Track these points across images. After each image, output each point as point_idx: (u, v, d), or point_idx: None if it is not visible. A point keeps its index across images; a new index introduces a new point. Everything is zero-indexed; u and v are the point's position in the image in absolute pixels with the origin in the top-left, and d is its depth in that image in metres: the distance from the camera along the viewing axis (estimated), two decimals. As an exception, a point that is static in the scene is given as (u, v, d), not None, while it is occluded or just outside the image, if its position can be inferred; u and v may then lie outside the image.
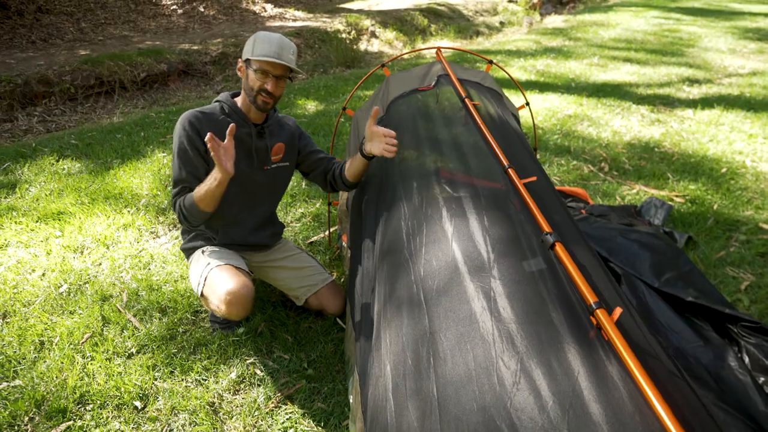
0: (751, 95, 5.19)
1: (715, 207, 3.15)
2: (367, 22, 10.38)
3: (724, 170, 3.63)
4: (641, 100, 5.15)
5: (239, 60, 1.87)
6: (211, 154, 1.61)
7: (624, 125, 4.51)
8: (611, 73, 6.12)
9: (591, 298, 1.12)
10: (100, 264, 2.66)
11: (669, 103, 5.08)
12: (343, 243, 2.47)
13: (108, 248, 2.80)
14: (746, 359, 1.88)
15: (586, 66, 6.46)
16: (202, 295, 1.91)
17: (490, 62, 2.49)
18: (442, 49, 2.28)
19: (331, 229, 2.82)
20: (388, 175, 1.89)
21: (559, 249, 1.26)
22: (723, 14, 10.46)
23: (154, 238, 2.93)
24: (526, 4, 13.12)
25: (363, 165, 2.00)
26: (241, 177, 1.94)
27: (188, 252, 2.08)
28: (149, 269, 2.62)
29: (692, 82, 5.74)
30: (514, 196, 1.47)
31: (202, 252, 2.01)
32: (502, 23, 11.93)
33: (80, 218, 3.07)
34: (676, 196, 3.28)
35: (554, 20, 11.01)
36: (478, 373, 1.09)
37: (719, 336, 1.98)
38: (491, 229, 1.38)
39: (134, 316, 2.28)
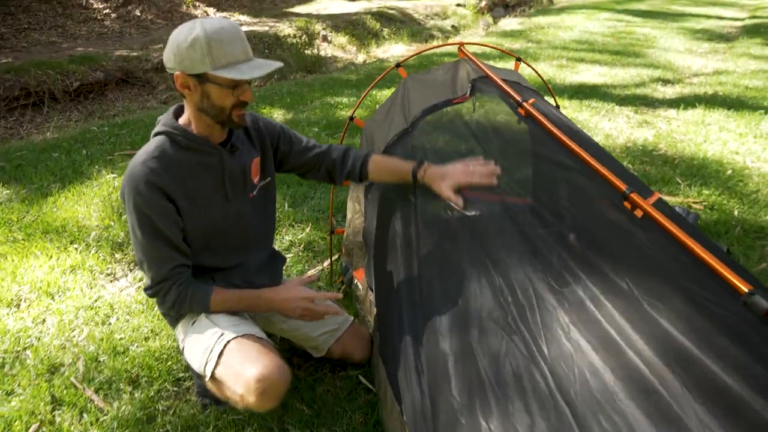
0: (725, 94, 5.16)
1: (736, 213, 2.94)
2: (318, 27, 9.94)
3: (729, 172, 3.47)
4: (622, 101, 5.00)
5: (179, 74, 1.30)
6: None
7: (614, 128, 4.32)
8: (584, 75, 5.98)
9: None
10: (44, 321, 2.11)
11: (649, 103, 4.96)
12: (356, 281, 2.04)
13: (53, 299, 2.23)
14: None
15: (556, 68, 6.30)
16: (212, 377, 1.42)
17: (519, 59, 2.15)
18: (465, 45, 1.90)
19: (333, 258, 2.38)
20: (447, 223, 1.51)
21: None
22: (669, 16, 10.74)
23: (111, 281, 2.38)
24: (474, 8, 13.10)
25: (400, 180, 1.61)
26: (226, 220, 1.52)
27: (178, 317, 1.58)
28: (110, 325, 2.09)
29: (664, 82, 5.68)
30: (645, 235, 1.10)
31: (206, 314, 1.52)
32: (454, 27, 11.80)
33: (13, 261, 2.48)
34: (694, 202, 3.06)
35: (510, 23, 10.95)
36: None
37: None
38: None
39: (96, 392, 1.76)
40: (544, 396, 1.08)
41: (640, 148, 3.91)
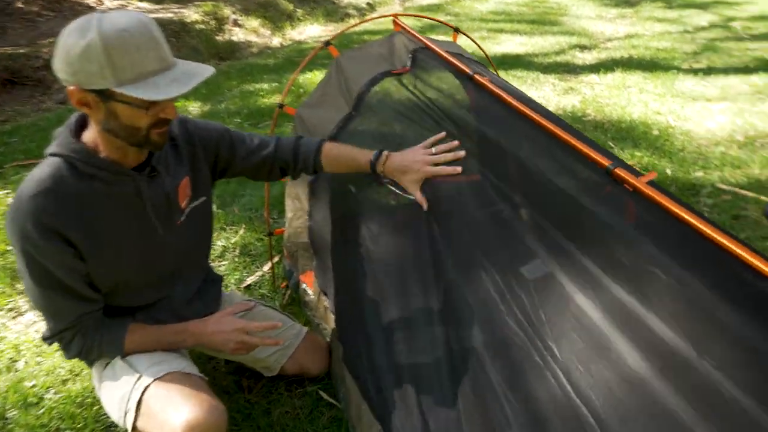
0: (639, 56, 5.33)
1: (669, 172, 3.00)
2: (227, 11, 9.37)
3: (656, 132, 3.55)
4: (545, 69, 5.04)
5: (73, 89, 1.01)
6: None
7: (542, 96, 4.33)
8: (505, 45, 5.99)
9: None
10: (-68, 376, 1.76)
11: (571, 70, 5.03)
12: (304, 286, 1.85)
13: (-59, 347, 1.88)
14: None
15: (479, 40, 6.24)
16: (135, 430, 1.19)
17: (456, 30, 2.00)
18: (399, 17, 1.72)
19: (274, 262, 2.16)
20: (401, 214, 1.35)
21: None
22: (575, -16, 11.06)
23: (14, 317, 2.04)
24: (386, -16, 12.89)
25: (357, 171, 1.43)
26: (147, 256, 1.25)
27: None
28: (17, 371, 1.77)
29: (582, 48, 5.80)
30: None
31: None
32: (370, 4, 11.55)
33: None
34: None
35: (424, -3, 10.83)
36: None
37: None
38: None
39: (7, 456, 1.48)
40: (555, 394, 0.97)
41: (570, 115, 3.93)
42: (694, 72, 4.70)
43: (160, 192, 1.22)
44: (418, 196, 1.38)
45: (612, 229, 1.07)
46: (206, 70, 1.06)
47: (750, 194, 2.66)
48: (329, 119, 1.59)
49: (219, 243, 2.45)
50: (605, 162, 0.98)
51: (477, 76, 1.39)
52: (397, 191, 1.48)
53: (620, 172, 0.96)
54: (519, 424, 1.01)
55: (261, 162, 1.44)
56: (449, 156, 1.37)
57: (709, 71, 4.71)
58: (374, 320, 1.42)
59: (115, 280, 1.21)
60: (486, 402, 1.11)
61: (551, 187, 1.33)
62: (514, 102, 1.28)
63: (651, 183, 0.98)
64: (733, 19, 6.71)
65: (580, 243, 1.13)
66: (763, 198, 2.62)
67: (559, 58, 5.44)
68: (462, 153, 1.37)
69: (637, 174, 1.00)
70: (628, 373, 0.91)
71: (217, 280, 1.54)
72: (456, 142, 1.39)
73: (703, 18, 6.93)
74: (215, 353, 1.58)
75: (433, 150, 1.38)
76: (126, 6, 9.67)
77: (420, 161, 1.36)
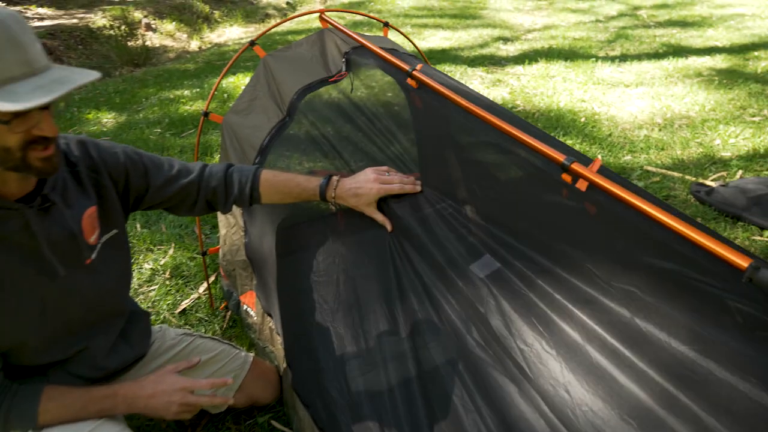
0: (559, 46, 5.50)
1: (600, 158, 3.08)
2: (137, 14, 8.86)
3: (583, 119, 3.65)
4: (472, 62, 5.09)
5: None
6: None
7: (472, 89, 4.35)
8: (431, 41, 6.01)
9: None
10: None
11: (497, 62, 5.11)
12: (245, 307, 1.71)
13: None
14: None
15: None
16: None
17: (386, 25, 1.92)
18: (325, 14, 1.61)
19: (210, 282, 2.00)
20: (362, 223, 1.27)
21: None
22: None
23: None
24: (306, -17, 12.70)
25: (304, 200, 1.31)
26: (49, 304, 1.05)
27: None
28: None
29: (504, 40, 5.91)
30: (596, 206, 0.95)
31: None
32: (290, 3, 11.31)
33: None
34: (562, 153, 3.15)
35: (345, -5, 10.74)
36: None
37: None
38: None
39: None
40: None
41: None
42: (611, 60, 4.90)
43: (57, 227, 1.02)
44: (379, 217, 1.32)
45: (567, 224, 1.02)
46: (85, 76, 0.88)
47: (676, 174, 2.77)
48: (260, 126, 1.46)
49: (147, 266, 2.24)
50: (560, 157, 0.93)
51: (416, 73, 1.31)
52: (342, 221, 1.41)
53: (577, 167, 0.92)
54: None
55: (182, 191, 1.24)
56: (407, 184, 1.32)
57: (624, 58, 4.92)
58: (322, 341, 1.32)
59: (13, 337, 1.02)
60: (448, 420, 1.04)
61: (498, 183, 1.29)
62: (457, 97, 1.22)
63: (604, 171, 0.95)
64: (639, 8, 7.10)
65: (534, 239, 1.09)
66: (688, 177, 2.74)
67: (484, 51, 5.52)
68: (418, 188, 1.32)
69: (587, 162, 0.96)
70: (592, 363, 0.88)
71: (143, 315, 1.36)
72: (416, 174, 1.36)
73: (612, 8, 7.27)
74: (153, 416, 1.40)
75: (386, 173, 1.33)
76: (23, 13, 8.91)
77: (372, 179, 1.29)
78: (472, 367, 1.04)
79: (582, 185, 0.91)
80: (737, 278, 0.66)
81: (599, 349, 0.87)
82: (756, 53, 4.77)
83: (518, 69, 4.85)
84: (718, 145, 3.10)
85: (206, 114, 1.63)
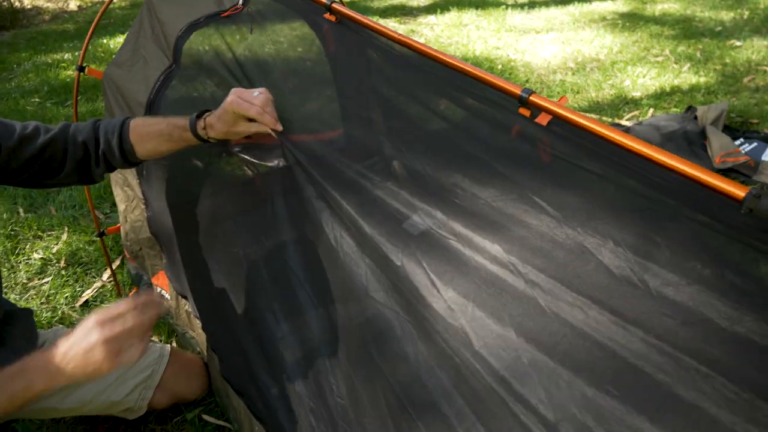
0: (468, -5, 5.43)
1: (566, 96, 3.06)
2: (0, -30, 7.73)
3: (500, 67, 3.62)
4: (383, 13, 4.89)
5: None
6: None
7: (386, 41, 4.18)
8: (338, -8, 5.72)
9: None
10: None
11: (408, 12, 4.95)
12: (159, 289, 1.50)
13: None
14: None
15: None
16: None
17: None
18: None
19: (114, 268, 1.74)
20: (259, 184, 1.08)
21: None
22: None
23: None
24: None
25: (180, 144, 1.08)
26: None
27: None
28: None
29: (414, -10, 5.75)
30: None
31: None
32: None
33: None
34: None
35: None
36: None
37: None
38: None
39: None
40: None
41: (417, 57, 3.85)
42: (521, 7, 4.89)
43: None
44: (253, 129, 1.05)
45: (515, 172, 0.92)
46: None
47: (593, 116, 2.80)
48: (147, 77, 1.23)
49: (36, 255, 1.94)
50: (516, 89, 0.82)
51: (336, 5, 1.14)
52: (253, 160, 1.21)
53: (537, 98, 0.81)
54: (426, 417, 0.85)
55: (43, 152, 1.01)
56: (267, 115, 1.05)
57: (532, 5, 4.93)
58: (246, 322, 1.17)
59: None
60: (381, 391, 0.94)
61: (431, 132, 1.17)
62: (387, 31, 1.06)
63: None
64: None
65: (470, 195, 0.98)
66: (605, 119, 2.78)
67: (395, 2, 5.33)
68: (279, 128, 1.07)
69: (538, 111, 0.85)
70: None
71: (22, 315, 1.13)
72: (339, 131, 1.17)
73: (517, -44, 7.28)
74: (60, 412, 1.17)
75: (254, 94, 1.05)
76: None
77: (230, 99, 1.03)
78: (403, 338, 0.92)
79: (543, 119, 0.80)
80: (735, 211, 0.58)
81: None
82: (652, -3, 4.95)
83: (431, 19, 4.73)
84: (628, 85, 3.18)
85: (82, 68, 1.35)
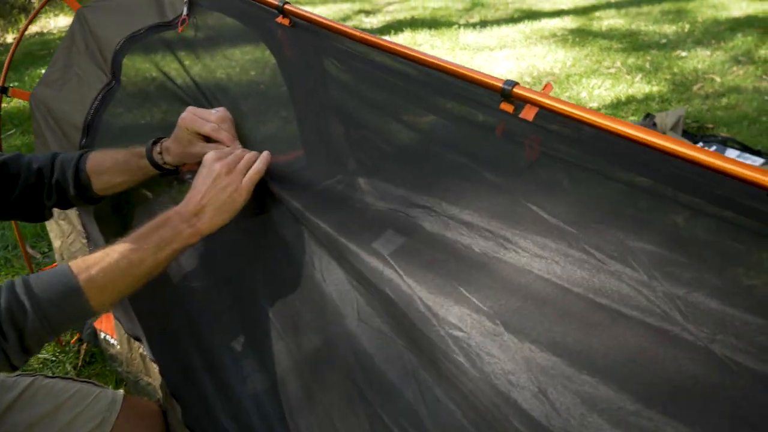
0: (420, 17, 5.47)
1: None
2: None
3: (457, 84, 3.61)
4: (337, 36, 4.86)
5: None
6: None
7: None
8: (290, 17, 5.67)
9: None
10: None
11: (362, 34, 4.94)
12: (104, 335, 1.34)
13: None
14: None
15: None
16: None
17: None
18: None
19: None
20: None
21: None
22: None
23: None
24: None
25: (138, 175, 0.97)
26: None
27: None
28: None
29: (366, 13, 5.76)
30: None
31: None
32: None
33: None
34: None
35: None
36: None
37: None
38: None
39: None
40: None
41: (374, 77, 3.81)
42: (472, 26, 4.95)
43: None
44: (210, 148, 0.93)
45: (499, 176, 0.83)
46: None
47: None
48: (83, 98, 1.10)
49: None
50: (497, 82, 0.73)
51: (289, 6, 1.04)
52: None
53: (521, 90, 0.72)
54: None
55: None
56: (223, 131, 0.95)
57: (483, 24, 5.01)
58: (207, 362, 1.03)
59: None
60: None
61: (400, 141, 1.07)
62: (348, 30, 0.97)
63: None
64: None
65: (453, 202, 0.88)
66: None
67: (349, 24, 5.31)
68: (237, 146, 0.97)
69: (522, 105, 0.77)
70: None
71: None
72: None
73: (464, -21, 7.46)
74: None
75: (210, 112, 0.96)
76: None
77: (183, 115, 0.94)
78: (393, 374, 0.80)
79: (529, 113, 0.71)
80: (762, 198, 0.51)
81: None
82: (597, 14, 5.10)
83: (386, 39, 4.72)
84: (585, 97, 3.21)
85: (4, 90, 1.20)
